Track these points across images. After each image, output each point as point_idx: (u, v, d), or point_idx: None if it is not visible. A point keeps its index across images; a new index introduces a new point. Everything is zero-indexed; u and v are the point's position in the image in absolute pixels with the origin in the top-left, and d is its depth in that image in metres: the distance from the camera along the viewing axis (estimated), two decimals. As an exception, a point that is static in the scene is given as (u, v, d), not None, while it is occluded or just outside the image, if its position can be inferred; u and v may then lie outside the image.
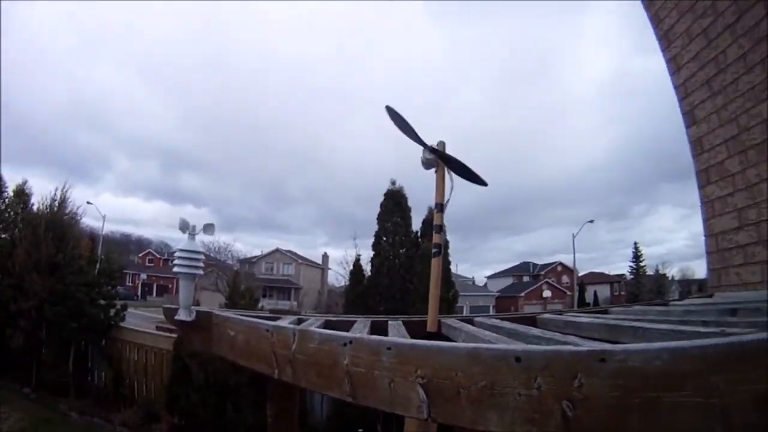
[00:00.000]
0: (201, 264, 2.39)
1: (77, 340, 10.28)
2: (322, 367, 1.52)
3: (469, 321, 2.72)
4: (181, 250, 2.34)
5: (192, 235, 2.37)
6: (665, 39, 3.61)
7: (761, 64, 2.91)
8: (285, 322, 2.10)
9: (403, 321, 2.71)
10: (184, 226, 2.39)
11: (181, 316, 2.34)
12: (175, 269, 2.34)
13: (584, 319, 2.41)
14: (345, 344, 1.43)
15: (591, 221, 40.88)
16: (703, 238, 3.43)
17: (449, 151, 2.30)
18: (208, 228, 2.43)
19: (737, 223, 3.13)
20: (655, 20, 3.75)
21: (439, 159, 2.21)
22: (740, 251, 3.10)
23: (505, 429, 1.09)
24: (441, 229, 2.22)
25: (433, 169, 2.24)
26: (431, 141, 2.25)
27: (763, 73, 2.91)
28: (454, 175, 2.22)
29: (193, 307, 2.40)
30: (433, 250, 2.22)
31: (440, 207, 2.19)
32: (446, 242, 8.44)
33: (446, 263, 8.62)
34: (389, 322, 2.66)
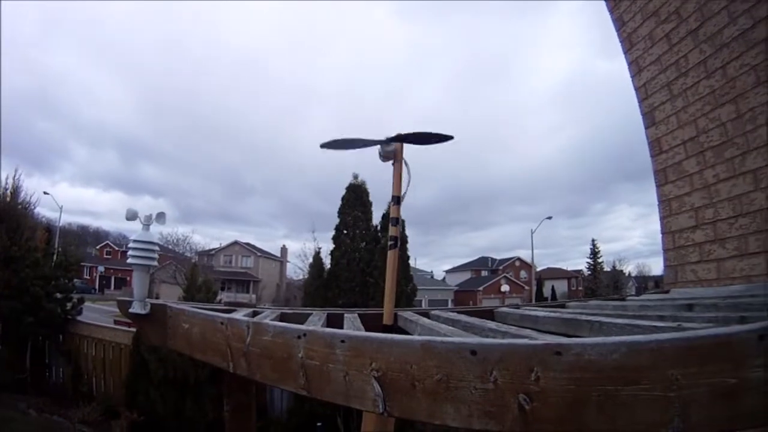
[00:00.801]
0: (156, 255, 2.32)
1: (34, 336, 9.91)
2: (277, 361, 1.48)
3: (425, 314, 2.72)
4: (135, 241, 2.26)
5: (146, 225, 2.29)
6: (628, 41, 3.67)
7: (722, 70, 2.99)
8: (240, 315, 2.05)
9: (359, 314, 2.69)
10: (132, 216, 2.30)
11: (136, 309, 2.26)
12: (129, 260, 2.26)
13: (541, 313, 2.43)
14: (299, 336, 1.40)
15: (549, 218, 41.74)
16: (659, 235, 3.50)
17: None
18: (160, 217, 2.35)
19: (694, 221, 3.21)
20: (619, 23, 3.81)
21: (399, 142, 2.21)
22: (696, 249, 3.17)
23: (462, 423, 1.08)
24: (398, 221, 2.21)
25: (391, 162, 2.23)
26: (385, 135, 2.25)
27: (723, 79, 2.98)
28: (410, 168, 2.22)
29: (148, 300, 2.32)
30: (390, 243, 2.21)
31: (397, 200, 2.19)
32: (405, 237, 8.48)
33: (405, 257, 8.67)
34: (345, 315, 2.64)
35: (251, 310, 2.52)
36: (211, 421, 7.04)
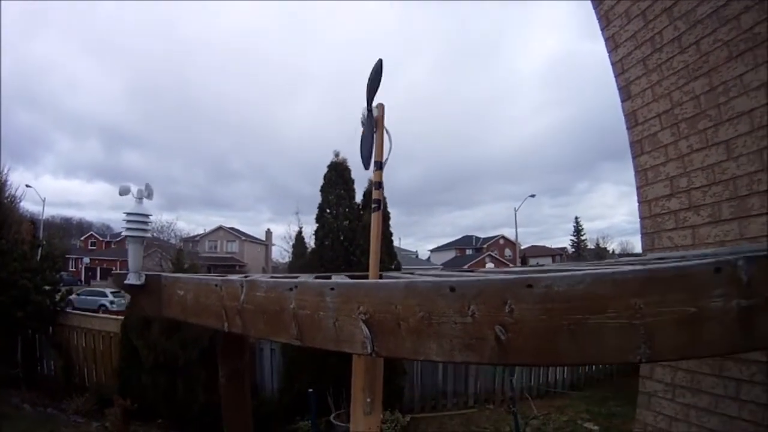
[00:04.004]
0: (149, 227, 2.39)
1: (24, 330, 9.93)
2: (270, 314, 1.57)
3: (410, 273, 2.82)
4: (129, 213, 2.34)
5: (139, 199, 2.36)
6: (605, 18, 3.76)
7: (695, 45, 3.09)
8: (233, 277, 2.13)
9: (346, 275, 2.77)
10: (125, 191, 2.39)
11: (131, 280, 2.34)
12: (124, 233, 2.34)
13: (516, 269, 2.53)
14: (291, 289, 1.49)
15: (533, 196, 42.01)
16: (636, 204, 3.62)
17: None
18: (150, 193, 2.42)
19: (669, 190, 3.32)
20: (597, 1, 3.90)
21: (370, 119, 2.29)
22: (672, 216, 3.29)
23: (445, 357, 1.17)
24: (380, 185, 2.30)
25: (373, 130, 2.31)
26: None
27: (696, 54, 3.09)
28: (391, 136, 2.30)
29: (142, 271, 2.39)
30: (373, 205, 2.31)
31: (379, 165, 2.27)
32: (388, 214, 8.54)
33: (388, 234, 8.72)
34: (333, 276, 2.72)
35: (244, 274, 2.60)
36: (203, 403, 7.10)
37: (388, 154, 2.29)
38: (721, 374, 3.01)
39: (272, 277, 2.52)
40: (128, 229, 2.32)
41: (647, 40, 3.42)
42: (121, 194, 2.34)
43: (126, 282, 2.33)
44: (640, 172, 3.55)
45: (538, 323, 1.06)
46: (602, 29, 3.79)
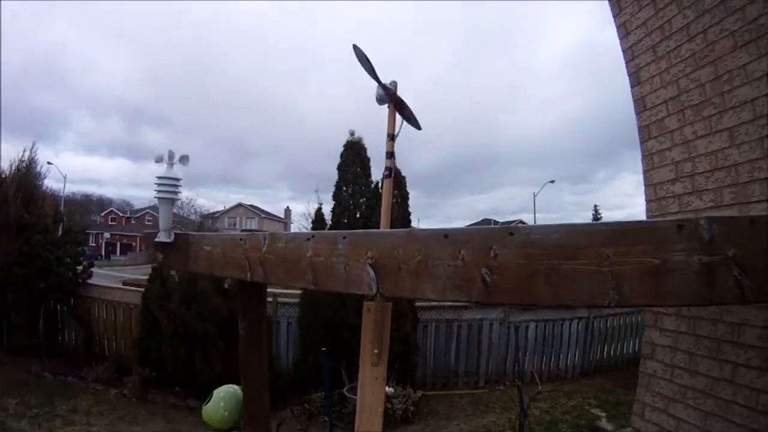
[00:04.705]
0: (179, 190, 2.59)
1: (46, 301, 10.26)
2: (289, 263, 1.76)
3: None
4: (160, 177, 2.53)
5: (170, 164, 2.56)
6: (617, 5, 3.86)
7: (702, 34, 3.18)
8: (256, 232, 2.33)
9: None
10: (160, 158, 2.58)
11: (161, 238, 2.55)
12: (155, 195, 2.54)
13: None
14: (308, 239, 1.68)
15: (552, 181, 41.64)
16: (643, 188, 3.74)
17: (411, 101, 2.57)
18: (184, 159, 2.62)
19: (674, 174, 3.43)
20: (611, -12, 4.00)
21: (387, 96, 2.46)
22: (676, 200, 3.41)
23: (438, 295, 1.34)
24: (392, 155, 2.47)
25: (386, 105, 2.49)
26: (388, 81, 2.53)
27: (703, 43, 3.18)
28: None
29: (172, 231, 2.61)
30: (384, 173, 2.50)
31: (391, 137, 2.46)
32: (406, 193, 8.65)
33: (407, 215, 8.83)
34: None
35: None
36: (220, 373, 7.34)
37: (400, 127, 2.47)
38: (717, 357, 3.10)
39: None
40: (159, 191, 2.52)
41: (657, 27, 3.51)
42: (156, 161, 2.55)
43: (157, 240, 2.55)
44: (647, 157, 3.67)
45: (519, 267, 1.22)
46: (614, 16, 3.89)
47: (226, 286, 8.51)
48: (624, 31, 3.79)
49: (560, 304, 1.24)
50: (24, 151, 11.09)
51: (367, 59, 2.58)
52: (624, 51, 3.82)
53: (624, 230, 1.14)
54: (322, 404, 7.38)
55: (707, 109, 3.18)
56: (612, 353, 10.86)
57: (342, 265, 1.55)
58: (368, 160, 8.90)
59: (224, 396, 6.87)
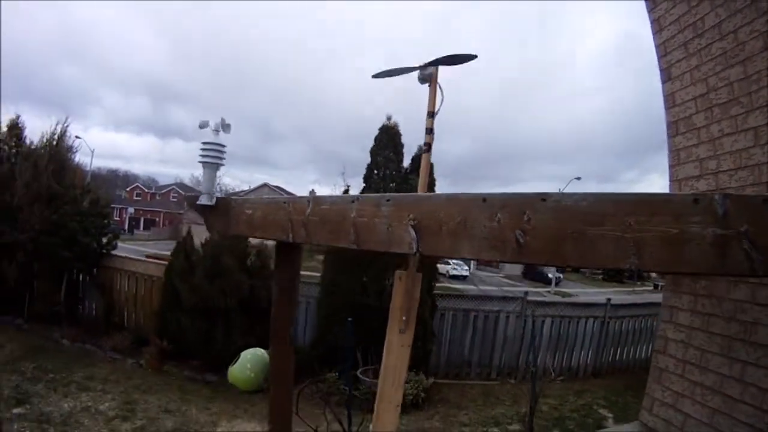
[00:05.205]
0: (223, 156, 2.72)
1: (70, 270, 10.55)
2: (332, 223, 1.88)
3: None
4: (205, 143, 2.66)
5: (215, 131, 2.69)
6: (652, 1, 3.92)
7: (733, 34, 3.23)
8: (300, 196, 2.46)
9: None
10: (204, 124, 2.72)
11: (203, 201, 2.70)
12: (200, 159, 2.67)
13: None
14: (353, 201, 1.80)
15: (578, 178, 41.08)
16: (668, 183, 3.80)
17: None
18: (227, 127, 2.75)
19: (698, 171, 3.50)
20: (646, -15, 4.04)
21: (433, 65, 2.58)
22: (699, 197, 3.47)
23: (474, 255, 1.45)
24: (431, 131, 2.58)
25: (427, 85, 2.60)
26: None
27: (734, 42, 3.23)
28: (443, 90, 2.58)
29: (213, 194, 2.76)
30: (424, 147, 2.62)
31: (431, 114, 2.57)
32: (434, 180, 8.72)
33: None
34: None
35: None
36: (240, 347, 7.44)
37: (440, 105, 2.57)
38: (728, 354, 3.18)
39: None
40: (203, 156, 2.65)
41: (690, 24, 3.56)
42: (200, 127, 2.68)
43: (198, 202, 2.70)
44: (674, 152, 3.73)
45: (549, 230, 1.32)
46: (649, 11, 3.95)
47: (248, 263, 8.69)
48: (658, 26, 3.85)
49: (586, 265, 1.34)
50: (57, 124, 11.42)
51: (389, 70, 2.72)
52: (657, 46, 3.87)
53: (646, 200, 1.22)
54: (336, 384, 7.57)
55: (734, 108, 3.24)
56: (625, 356, 10.88)
57: (384, 225, 1.66)
58: (402, 146, 8.94)
59: (251, 358, 7.00)
